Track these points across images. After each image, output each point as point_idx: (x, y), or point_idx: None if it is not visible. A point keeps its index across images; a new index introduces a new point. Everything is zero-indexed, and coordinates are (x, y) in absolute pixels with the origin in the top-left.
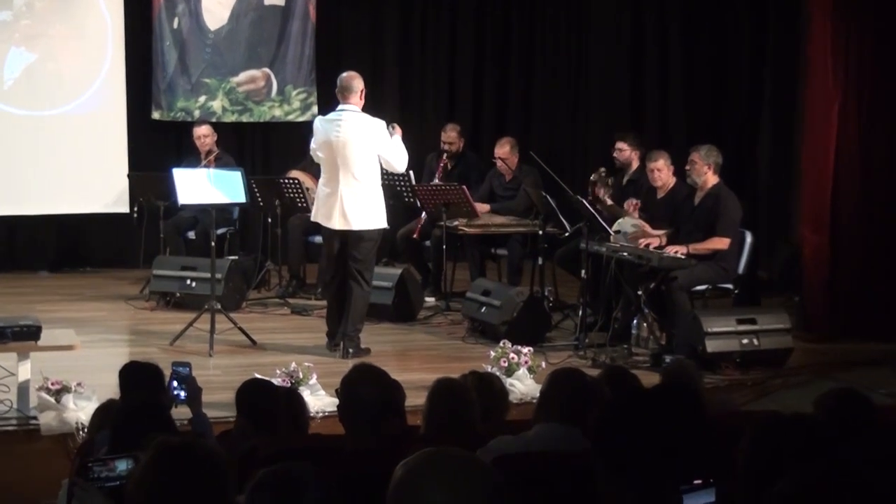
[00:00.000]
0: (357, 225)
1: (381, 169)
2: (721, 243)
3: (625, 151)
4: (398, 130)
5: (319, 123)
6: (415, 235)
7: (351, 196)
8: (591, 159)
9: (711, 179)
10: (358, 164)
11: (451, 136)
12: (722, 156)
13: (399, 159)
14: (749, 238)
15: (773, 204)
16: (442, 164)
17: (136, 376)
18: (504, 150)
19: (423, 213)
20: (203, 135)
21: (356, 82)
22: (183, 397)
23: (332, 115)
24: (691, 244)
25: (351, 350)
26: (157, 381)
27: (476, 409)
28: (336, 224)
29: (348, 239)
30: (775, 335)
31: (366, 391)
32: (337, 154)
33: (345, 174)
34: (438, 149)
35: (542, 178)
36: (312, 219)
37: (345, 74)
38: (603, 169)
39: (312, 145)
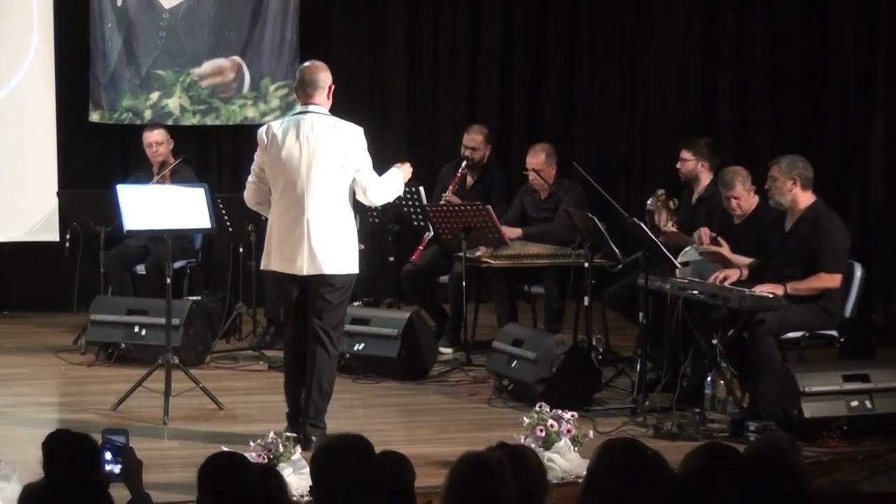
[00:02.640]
0: (330, 268)
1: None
2: (830, 280)
3: (688, 162)
4: (406, 168)
5: (271, 131)
6: (413, 258)
7: (321, 229)
8: (649, 173)
9: (803, 198)
10: (330, 185)
11: (475, 139)
12: (811, 167)
13: (381, 189)
14: (859, 272)
15: (891, 229)
16: (459, 175)
17: (65, 449)
18: (538, 160)
19: (428, 233)
20: (156, 142)
21: (323, 75)
22: (118, 473)
23: (290, 119)
24: (790, 283)
25: (314, 438)
26: (90, 455)
27: (511, 494)
28: (302, 268)
29: (312, 287)
30: (894, 396)
31: (345, 466)
32: (301, 172)
33: (312, 199)
34: (455, 158)
35: (588, 195)
36: (263, 266)
37: (307, 65)
38: (661, 191)
39: (258, 162)
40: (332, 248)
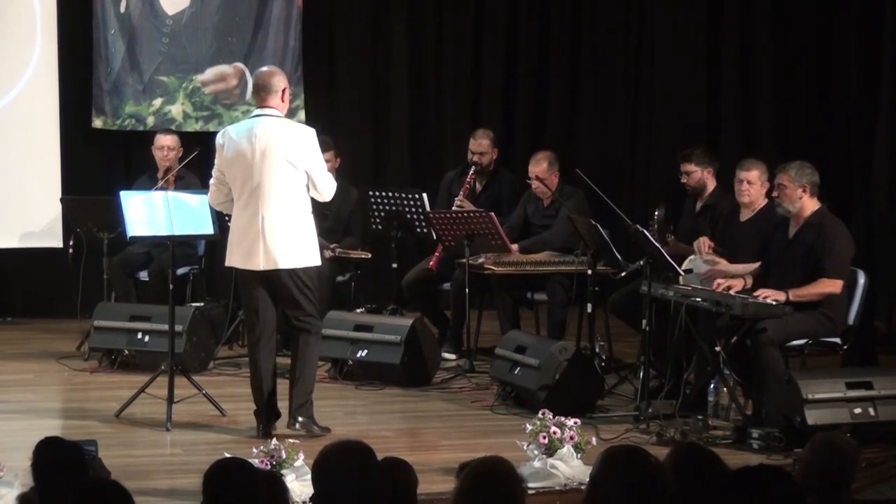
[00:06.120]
0: (286, 262)
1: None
2: (832, 286)
3: (695, 173)
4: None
5: (227, 135)
6: (431, 265)
7: (276, 225)
8: (652, 181)
9: (809, 205)
10: (283, 183)
11: (482, 144)
12: (818, 173)
13: (329, 183)
14: (862, 279)
15: (895, 236)
16: (468, 181)
17: (53, 458)
18: (541, 168)
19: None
20: (167, 146)
21: (277, 80)
22: None
23: (244, 123)
24: (792, 290)
25: (301, 419)
26: (77, 465)
27: (522, 502)
28: (259, 263)
29: (275, 282)
30: None
31: (347, 472)
32: (254, 171)
33: (265, 197)
34: (460, 165)
35: (590, 202)
36: (226, 263)
37: (263, 70)
38: (663, 204)
39: (217, 166)
40: (287, 243)
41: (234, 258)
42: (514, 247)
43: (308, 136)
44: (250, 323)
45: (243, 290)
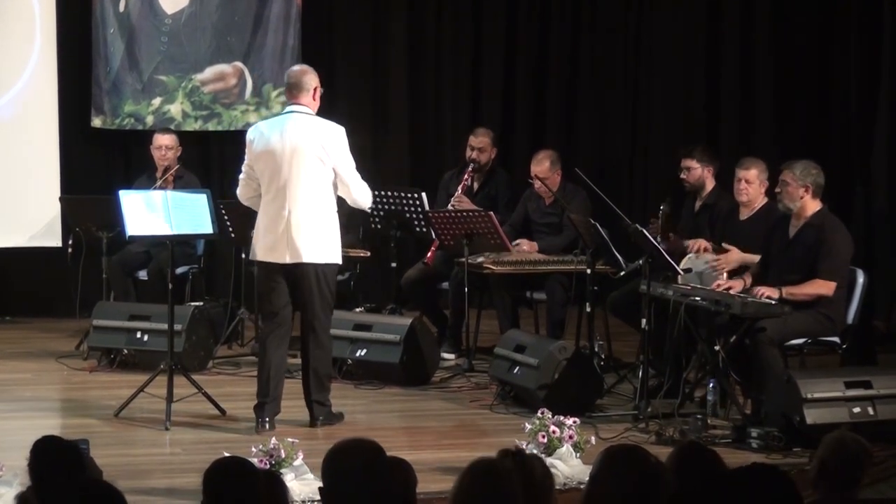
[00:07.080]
0: (311, 257)
1: (378, 193)
2: (825, 287)
3: (695, 170)
4: None
5: (258, 130)
6: (427, 259)
7: (302, 220)
8: (652, 180)
9: (811, 205)
10: (311, 179)
11: (482, 141)
12: (823, 174)
13: (363, 190)
14: (861, 278)
15: (894, 235)
16: (466, 179)
17: (51, 457)
18: (543, 168)
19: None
20: (166, 146)
21: (308, 78)
22: None
23: (275, 120)
24: (786, 287)
25: (321, 417)
26: (74, 464)
27: (520, 502)
28: (283, 256)
29: (296, 276)
30: None
31: (356, 469)
32: (283, 166)
33: (293, 192)
34: (458, 164)
35: (591, 201)
36: (250, 257)
37: (295, 68)
38: (669, 200)
39: (247, 161)
40: (312, 239)
41: (258, 251)
42: (535, 245)
43: (338, 134)
44: (266, 315)
45: (264, 284)
